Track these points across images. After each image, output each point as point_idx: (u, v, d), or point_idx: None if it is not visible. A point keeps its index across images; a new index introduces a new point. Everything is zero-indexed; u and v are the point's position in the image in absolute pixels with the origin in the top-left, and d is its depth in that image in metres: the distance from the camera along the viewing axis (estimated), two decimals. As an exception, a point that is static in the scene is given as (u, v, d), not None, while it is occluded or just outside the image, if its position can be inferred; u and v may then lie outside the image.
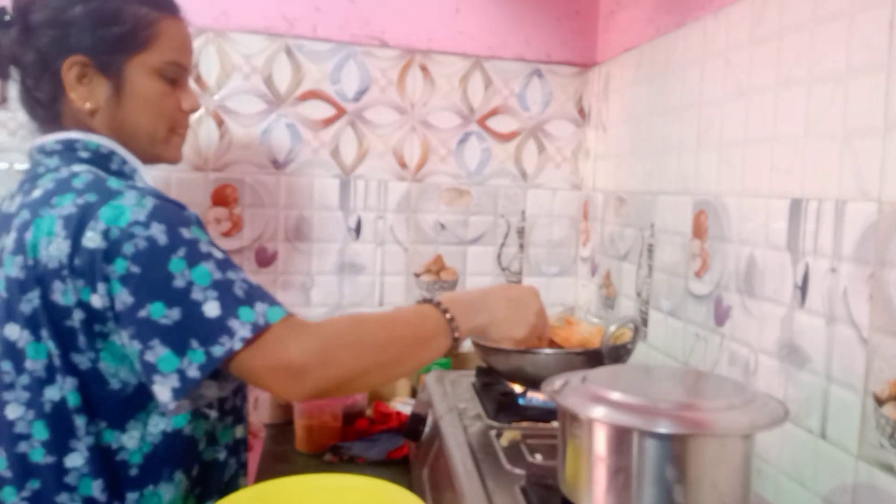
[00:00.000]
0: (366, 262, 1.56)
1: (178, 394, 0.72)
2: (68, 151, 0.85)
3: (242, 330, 0.73)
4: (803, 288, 0.89)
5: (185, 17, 0.95)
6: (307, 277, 1.53)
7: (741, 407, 0.65)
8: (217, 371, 0.75)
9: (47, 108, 0.87)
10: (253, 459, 1.29)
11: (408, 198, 1.57)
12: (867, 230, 0.78)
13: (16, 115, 1.34)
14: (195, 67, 1.42)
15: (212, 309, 0.73)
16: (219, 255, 0.77)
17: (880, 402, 0.76)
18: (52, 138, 0.86)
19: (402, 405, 1.43)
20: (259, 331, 0.73)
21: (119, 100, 0.87)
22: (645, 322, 1.32)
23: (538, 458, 0.85)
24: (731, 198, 1.05)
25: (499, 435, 0.94)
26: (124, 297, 0.73)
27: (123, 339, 0.75)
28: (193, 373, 0.72)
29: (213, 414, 0.88)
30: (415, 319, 0.85)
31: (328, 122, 1.51)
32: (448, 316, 0.85)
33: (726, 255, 1.06)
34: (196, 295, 0.73)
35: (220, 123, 1.45)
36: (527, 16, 1.60)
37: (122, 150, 0.88)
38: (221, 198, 1.47)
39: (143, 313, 0.72)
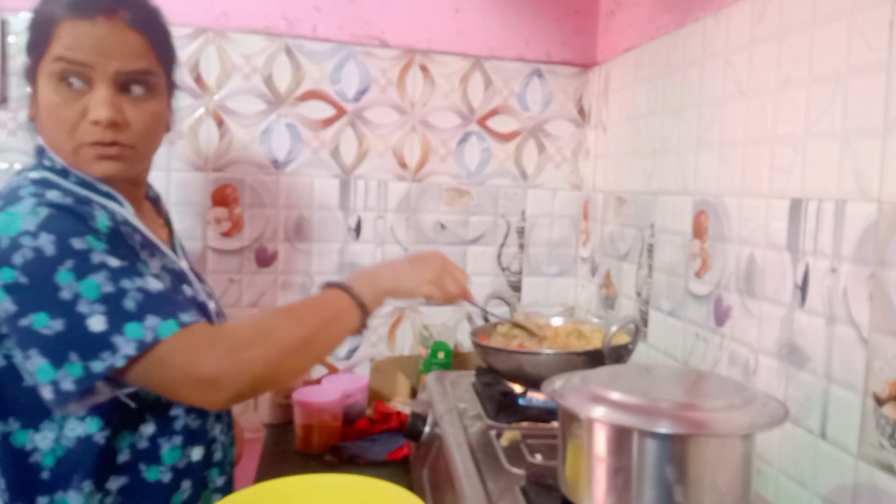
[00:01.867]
0: (366, 262, 1.56)
1: (55, 403, 0.72)
2: (38, 156, 0.86)
3: (126, 347, 0.72)
4: (803, 288, 0.89)
5: (119, 15, 0.82)
6: (307, 277, 1.53)
7: (741, 407, 0.65)
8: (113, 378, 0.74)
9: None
10: (253, 459, 1.29)
11: (408, 198, 1.57)
12: (867, 230, 0.78)
13: (16, 115, 1.34)
14: (194, 68, 1.42)
15: (96, 323, 0.72)
16: (115, 263, 0.75)
17: (880, 402, 0.76)
18: (37, 141, 0.88)
19: (402, 405, 1.43)
20: (145, 348, 0.72)
21: (38, 110, 0.85)
22: (645, 322, 1.32)
23: (538, 458, 0.85)
24: (731, 198, 1.05)
25: (499, 435, 0.94)
26: (7, 306, 0.73)
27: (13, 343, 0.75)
28: (68, 386, 0.71)
29: (150, 429, 0.84)
30: (317, 303, 0.87)
31: (328, 122, 1.51)
32: (351, 291, 0.87)
33: (726, 255, 1.06)
34: (82, 308, 0.72)
35: (220, 123, 1.45)
36: (527, 16, 1.60)
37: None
38: (221, 198, 1.47)
39: (24, 322, 0.72)
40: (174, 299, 0.78)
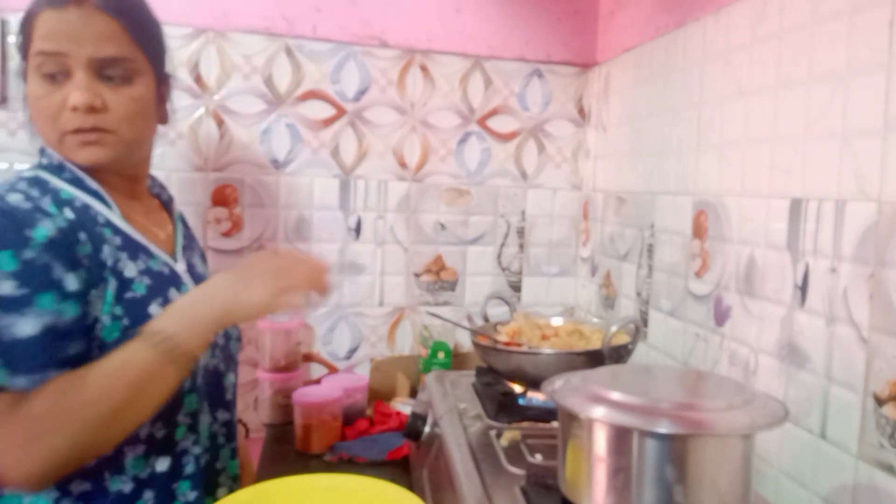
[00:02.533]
0: (366, 262, 1.56)
1: None
2: (39, 154, 0.89)
3: None
4: (803, 288, 0.89)
5: (90, 4, 0.82)
6: (307, 277, 1.53)
7: (741, 407, 0.65)
8: None
9: None
10: (253, 459, 1.29)
11: (408, 198, 1.57)
12: (867, 230, 0.78)
13: (16, 115, 1.34)
14: (194, 68, 1.42)
15: None
16: (4, 291, 0.72)
17: (880, 402, 0.76)
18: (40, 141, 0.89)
19: (402, 405, 1.43)
20: None
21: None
22: (645, 322, 1.32)
23: (538, 458, 0.85)
24: (731, 198, 1.05)
25: (499, 435, 0.94)
26: None
27: None
28: None
29: None
30: (124, 367, 0.77)
31: (328, 122, 1.51)
32: (163, 337, 0.78)
33: (726, 255, 1.06)
34: None
35: (220, 123, 1.45)
36: (527, 16, 1.60)
37: (69, 164, 0.87)
38: (221, 198, 1.47)
39: None
40: (30, 352, 0.73)
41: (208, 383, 0.94)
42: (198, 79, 1.43)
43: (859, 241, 0.79)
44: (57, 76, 0.82)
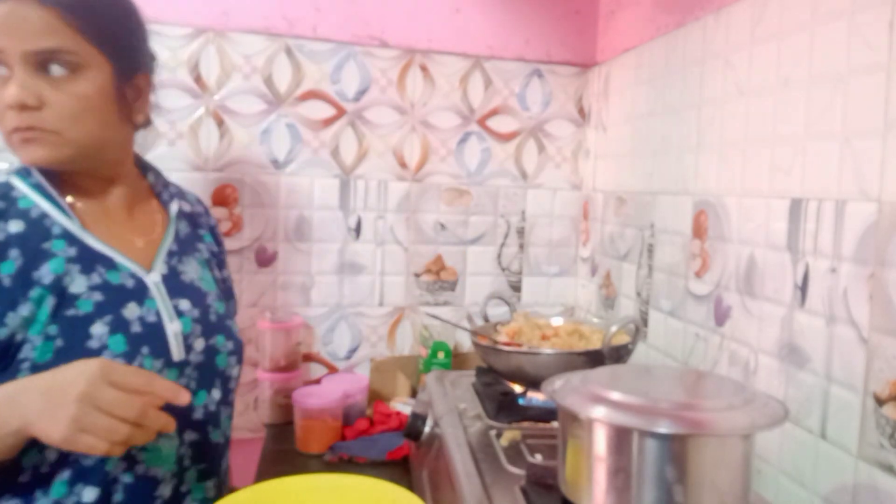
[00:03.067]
0: (366, 262, 1.56)
1: None
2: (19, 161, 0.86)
3: None
4: (803, 288, 0.89)
5: None
6: (307, 277, 1.53)
7: (741, 407, 0.64)
8: None
9: None
10: (253, 459, 1.29)
11: (408, 198, 1.57)
12: (867, 230, 0.78)
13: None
14: (194, 68, 1.42)
15: None
16: None
17: (880, 402, 0.76)
18: None
19: (402, 405, 1.43)
20: None
21: None
22: (645, 322, 1.32)
23: (538, 458, 0.85)
24: (731, 198, 1.05)
25: (499, 435, 0.94)
26: None
27: None
28: None
29: (52, 454, 0.78)
30: None
31: (328, 122, 1.51)
32: None
33: (726, 255, 1.06)
34: None
35: (220, 123, 1.45)
36: (527, 16, 1.60)
37: (33, 168, 0.85)
38: (221, 198, 1.47)
39: None
40: None
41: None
42: (198, 79, 1.43)
43: (859, 241, 0.79)
44: (0, 73, 0.79)
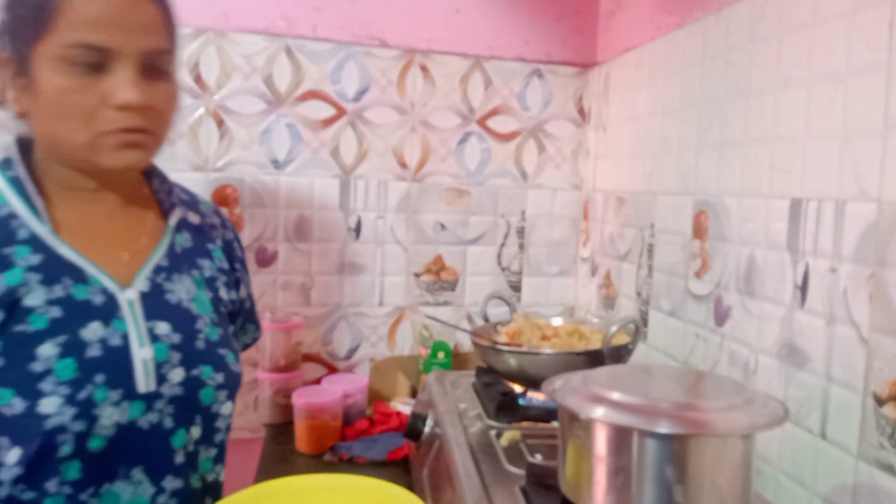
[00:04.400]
0: (366, 262, 1.56)
1: None
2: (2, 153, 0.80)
3: None
4: (803, 288, 0.89)
5: None
6: (307, 277, 1.53)
7: (741, 407, 0.64)
8: None
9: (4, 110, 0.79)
10: (253, 459, 1.29)
11: (408, 198, 1.57)
12: (867, 230, 0.78)
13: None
14: (194, 68, 1.42)
15: None
16: None
17: (880, 402, 0.76)
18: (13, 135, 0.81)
19: (402, 405, 1.43)
20: None
21: (34, 100, 0.74)
22: (645, 322, 1.32)
23: (538, 458, 0.85)
24: (731, 198, 1.05)
25: (499, 435, 0.94)
26: None
27: None
28: None
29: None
30: None
31: (328, 122, 1.51)
32: None
33: (726, 255, 1.06)
34: None
35: (220, 123, 1.45)
36: (527, 16, 1.60)
37: (15, 158, 0.78)
38: (221, 198, 1.46)
39: None
40: None
41: (135, 446, 0.77)
42: (198, 79, 1.43)
43: (859, 241, 0.79)
44: (94, 67, 0.72)
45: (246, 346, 1.05)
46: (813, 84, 0.88)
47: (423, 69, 1.55)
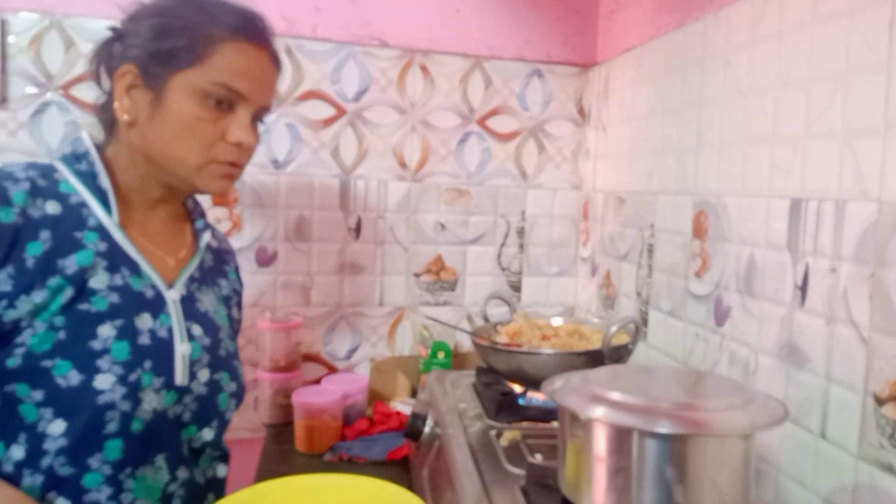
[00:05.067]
0: (366, 262, 1.56)
1: None
2: (69, 148, 0.87)
3: None
4: (803, 288, 0.89)
5: (272, 50, 0.90)
6: (307, 277, 1.53)
7: (741, 407, 0.65)
8: None
9: (104, 113, 0.89)
10: (253, 459, 1.29)
11: (408, 198, 1.57)
12: (867, 230, 0.78)
13: (16, 114, 1.34)
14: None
15: None
16: None
17: (880, 402, 0.76)
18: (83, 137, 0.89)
19: (402, 405, 1.43)
20: None
21: (156, 115, 0.83)
22: (645, 322, 1.32)
23: (538, 458, 0.85)
24: (731, 198, 1.05)
25: (499, 435, 0.94)
26: None
27: None
28: None
29: (18, 452, 0.76)
30: None
31: (328, 122, 1.51)
32: None
33: (726, 255, 1.06)
34: None
35: (220, 123, 1.45)
36: (527, 16, 1.60)
37: (94, 156, 0.85)
38: (221, 198, 1.46)
39: None
40: None
41: (163, 433, 0.83)
42: (198, 79, 1.43)
43: (859, 241, 0.79)
44: (223, 105, 0.84)
45: None
46: (813, 84, 0.88)
47: (423, 69, 1.55)
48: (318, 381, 1.44)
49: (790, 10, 0.92)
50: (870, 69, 0.78)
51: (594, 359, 1.00)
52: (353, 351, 1.57)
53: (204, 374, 0.87)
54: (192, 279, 0.92)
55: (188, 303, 0.89)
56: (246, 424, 1.50)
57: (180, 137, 0.83)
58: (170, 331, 0.84)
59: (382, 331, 1.58)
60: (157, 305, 0.85)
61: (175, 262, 0.91)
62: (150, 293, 0.85)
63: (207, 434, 0.89)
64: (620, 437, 0.64)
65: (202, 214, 1.00)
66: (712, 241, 1.10)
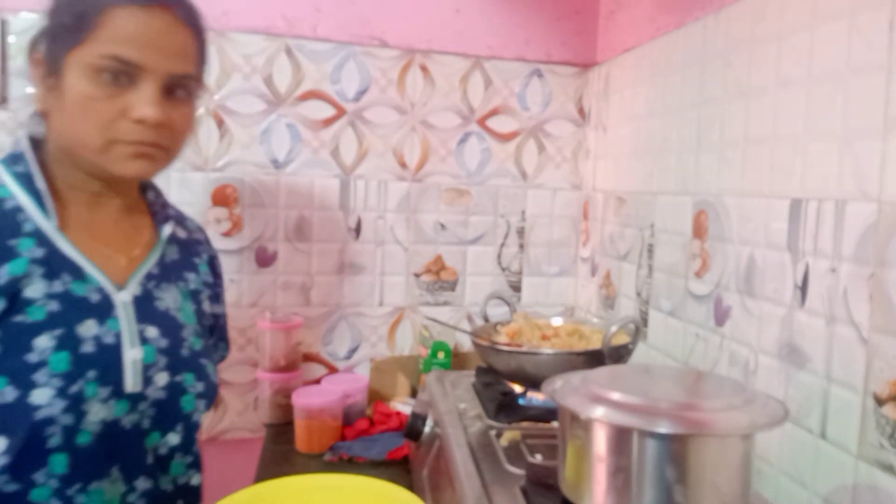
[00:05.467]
0: (366, 262, 1.56)
1: None
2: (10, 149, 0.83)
3: None
4: (803, 288, 0.89)
5: (174, 8, 0.79)
6: (307, 277, 1.53)
7: (741, 407, 0.65)
8: None
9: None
10: (253, 459, 1.29)
11: (408, 198, 1.57)
12: (867, 230, 0.78)
13: (16, 114, 1.34)
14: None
15: None
16: None
17: (880, 402, 0.76)
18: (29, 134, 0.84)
19: (402, 405, 1.43)
20: None
21: (59, 101, 0.77)
22: (645, 322, 1.32)
23: (538, 458, 0.85)
24: (731, 198, 1.05)
25: (499, 435, 0.94)
26: None
27: None
28: None
29: None
30: None
31: (328, 122, 1.51)
32: None
33: (726, 255, 1.06)
34: None
35: (220, 123, 1.45)
36: (527, 16, 1.60)
37: (28, 155, 0.80)
38: (221, 198, 1.46)
39: None
40: None
41: (118, 444, 0.78)
42: (198, 79, 1.43)
43: (859, 241, 0.79)
44: (120, 79, 0.76)
45: (216, 363, 1.02)
46: (813, 84, 0.88)
47: (423, 69, 1.55)
48: (318, 381, 1.44)
49: (790, 10, 0.92)
50: (870, 69, 0.78)
51: (594, 359, 1.00)
52: (353, 351, 1.57)
53: (161, 378, 0.82)
54: (149, 277, 0.86)
55: (143, 303, 0.83)
56: (246, 424, 1.50)
57: (77, 120, 0.77)
58: (118, 336, 0.79)
59: (382, 331, 1.58)
60: (103, 310, 0.79)
61: (128, 260, 0.85)
62: (95, 297, 0.79)
63: (173, 439, 0.84)
64: (620, 437, 0.64)
65: (164, 205, 0.94)
66: (712, 241, 1.10)
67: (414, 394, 1.50)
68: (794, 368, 0.90)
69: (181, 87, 0.81)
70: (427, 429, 1.05)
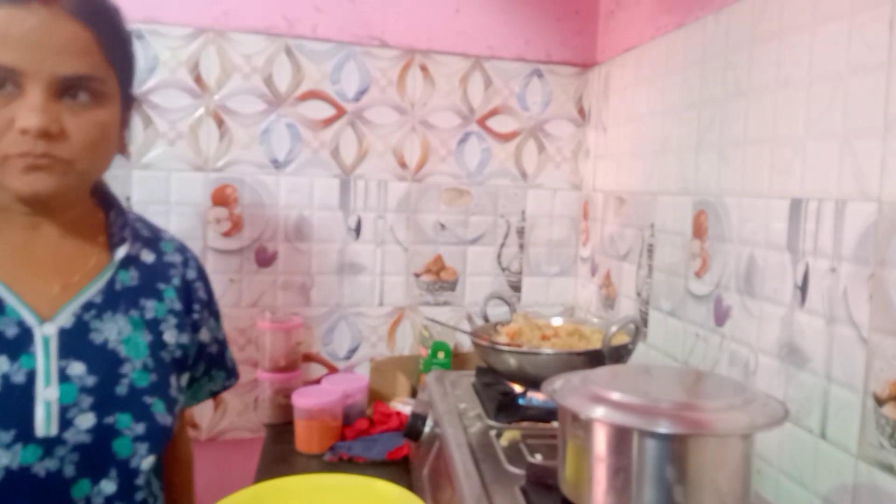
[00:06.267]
0: (366, 262, 1.56)
1: None
2: None
3: None
4: (803, 288, 0.89)
5: (54, 2, 0.68)
6: (307, 277, 1.53)
7: (741, 407, 0.65)
8: None
9: None
10: (253, 459, 1.29)
11: (408, 198, 1.57)
12: (867, 230, 0.78)
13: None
14: (194, 68, 1.42)
15: None
16: None
17: (880, 402, 0.76)
18: None
19: (402, 405, 1.43)
20: None
21: None
22: (645, 322, 1.33)
23: (538, 458, 0.85)
24: (731, 198, 1.05)
25: (499, 435, 0.94)
26: None
27: None
28: None
29: None
30: None
31: (328, 122, 1.51)
32: None
33: (726, 255, 1.06)
34: None
35: (220, 123, 1.45)
36: (527, 16, 1.60)
37: None
38: (221, 198, 1.47)
39: None
40: None
41: (28, 494, 0.70)
42: (198, 79, 1.43)
43: (859, 241, 0.79)
44: (5, 87, 0.68)
45: (214, 393, 0.98)
46: (813, 84, 0.88)
47: (423, 69, 1.55)
48: (318, 381, 1.44)
49: (790, 10, 0.92)
50: (870, 69, 0.78)
51: (594, 359, 1.00)
52: (353, 351, 1.57)
53: (85, 420, 0.73)
54: (88, 306, 0.77)
55: (73, 336, 0.75)
56: (246, 424, 1.50)
57: None
58: (31, 374, 0.71)
59: (382, 331, 1.58)
60: (18, 345, 0.71)
61: (62, 288, 0.76)
62: (12, 332, 0.71)
63: (108, 487, 0.74)
64: (620, 437, 0.64)
65: (123, 226, 0.83)
66: (712, 241, 1.10)
67: (414, 394, 1.50)
68: (794, 368, 0.90)
69: (82, 90, 0.71)
70: (427, 429, 1.05)
